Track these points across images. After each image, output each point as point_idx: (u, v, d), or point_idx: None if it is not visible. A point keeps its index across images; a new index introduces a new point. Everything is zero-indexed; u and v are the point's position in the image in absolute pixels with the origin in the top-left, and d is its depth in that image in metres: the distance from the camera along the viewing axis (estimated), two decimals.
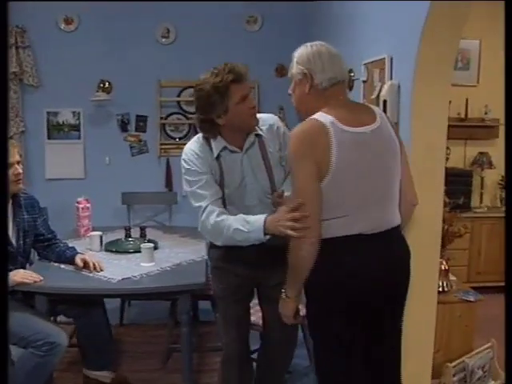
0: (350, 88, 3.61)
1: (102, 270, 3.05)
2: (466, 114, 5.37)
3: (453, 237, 3.31)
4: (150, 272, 3.05)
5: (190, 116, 5.26)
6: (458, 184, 4.94)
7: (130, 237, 3.69)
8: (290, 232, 2.02)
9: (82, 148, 5.25)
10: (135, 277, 2.96)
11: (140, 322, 4.41)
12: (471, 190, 5.40)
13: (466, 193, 5.17)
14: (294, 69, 2.15)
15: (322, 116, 2.01)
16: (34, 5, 4.91)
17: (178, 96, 5.23)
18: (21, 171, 2.96)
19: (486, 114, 5.43)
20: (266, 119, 2.51)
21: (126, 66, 5.09)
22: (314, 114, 2.04)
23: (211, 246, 2.58)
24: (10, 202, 3.02)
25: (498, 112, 5.25)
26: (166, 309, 3.93)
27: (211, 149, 2.42)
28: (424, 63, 2.56)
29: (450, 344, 3.33)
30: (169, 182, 5.30)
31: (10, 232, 3.00)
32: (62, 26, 5.05)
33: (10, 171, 2.86)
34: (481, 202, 5.51)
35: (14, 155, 2.93)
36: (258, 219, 2.24)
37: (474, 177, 5.45)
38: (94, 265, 3.06)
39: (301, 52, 2.15)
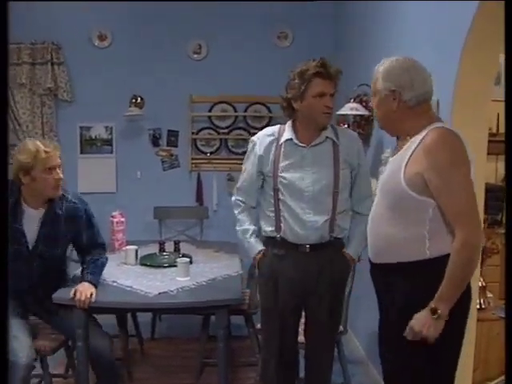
0: None
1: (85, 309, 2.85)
2: (498, 129, 5.32)
3: (491, 253, 3.27)
4: (185, 286, 3.06)
5: (221, 131, 5.29)
6: (490, 199, 4.88)
7: (164, 251, 3.72)
8: None
9: (114, 162, 5.31)
10: (172, 291, 2.97)
11: (171, 336, 4.43)
12: (502, 206, 5.34)
13: (499, 209, 5.11)
14: (380, 85, 2.08)
15: (446, 126, 2.01)
16: (69, 21, 5.02)
17: (210, 111, 5.27)
18: (61, 176, 2.87)
19: None
20: (350, 133, 2.74)
21: (158, 82, 5.15)
22: (402, 130, 2.07)
23: (266, 243, 2.68)
24: (46, 206, 2.92)
25: None
26: (197, 323, 3.93)
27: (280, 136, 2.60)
28: (465, 79, 2.54)
29: (489, 362, 3.27)
30: (199, 197, 5.33)
31: (31, 235, 2.89)
32: (96, 42, 5.14)
33: (51, 176, 2.81)
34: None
35: (56, 159, 2.84)
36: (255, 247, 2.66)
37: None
38: (82, 301, 2.82)
39: (387, 67, 2.09)
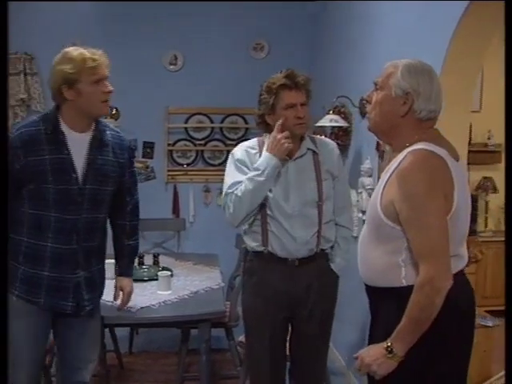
0: (363, 115, 3.64)
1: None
2: (470, 139, 5.42)
3: (469, 262, 3.30)
4: (167, 300, 3.04)
5: (198, 142, 5.28)
6: None
7: (143, 264, 3.67)
8: (287, 145, 2.38)
9: None
10: (154, 306, 2.95)
11: (149, 350, 4.36)
12: (477, 215, 5.44)
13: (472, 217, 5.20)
14: (395, 80, 1.83)
15: (435, 148, 1.77)
16: (42, 31, 4.94)
17: (186, 122, 5.25)
18: (111, 89, 2.33)
19: (488, 139, 5.51)
20: (328, 142, 2.70)
21: (133, 93, 5.09)
22: (393, 140, 1.88)
23: (250, 259, 2.62)
24: (92, 130, 2.33)
25: (501, 137, 5.31)
26: (175, 336, 3.89)
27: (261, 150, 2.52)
28: (446, 88, 2.58)
29: (469, 370, 3.30)
30: (176, 209, 5.29)
31: (80, 165, 2.30)
32: None
33: (99, 89, 2.28)
34: (485, 226, 5.55)
35: (105, 68, 2.31)
36: (263, 156, 2.44)
37: (479, 201, 5.49)
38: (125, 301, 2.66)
39: (410, 65, 1.84)
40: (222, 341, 3.88)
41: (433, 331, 1.75)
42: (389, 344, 1.75)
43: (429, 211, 1.72)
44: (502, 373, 3.22)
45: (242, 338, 3.37)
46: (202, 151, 5.31)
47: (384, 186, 1.84)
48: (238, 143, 5.12)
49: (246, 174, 2.47)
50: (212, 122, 5.27)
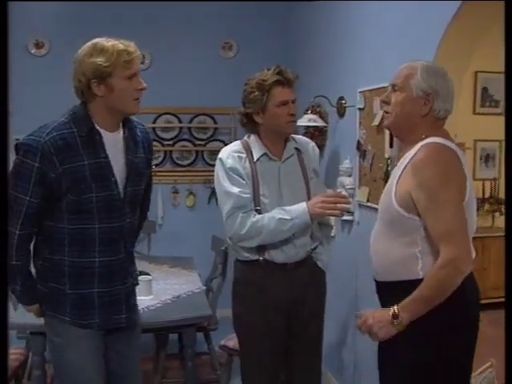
0: (341, 115, 3.64)
1: None
2: None
3: None
4: (150, 306, 2.95)
5: (166, 143, 5.18)
6: None
7: None
8: (332, 212, 2.35)
9: None
10: None
11: None
12: None
13: None
14: (416, 82, 1.89)
15: (446, 142, 1.86)
16: (13, 31, 4.74)
17: (154, 122, 5.12)
18: (145, 85, 2.07)
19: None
20: (308, 140, 2.66)
21: None
22: (410, 138, 1.92)
23: (242, 268, 2.50)
24: (121, 128, 2.13)
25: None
26: (148, 341, 3.79)
27: (251, 152, 2.43)
28: None
29: None
30: None
31: (117, 168, 2.09)
32: (33, 50, 4.89)
33: (131, 85, 2.02)
34: None
35: (138, 62, 2.08)
36: (299, 206, 2.36)
37: None
38: None
39: (428, 67, 1.92)
40: (199, 344, 3.81)
41: (441, 320, 1.81)
42: (396, 312, 1.80)
43: (446, 199, 1.78)
44: (485, 366, 3.26)
45: (224, 342, 3.32)
46: (171, 151, 5.21)
47: (398, 179, 1.89)
48: (207, 143, 5.18)
49: (241, 184, 2.37)
50: (180, 121, 5.17)
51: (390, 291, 1.94)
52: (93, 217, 2.04)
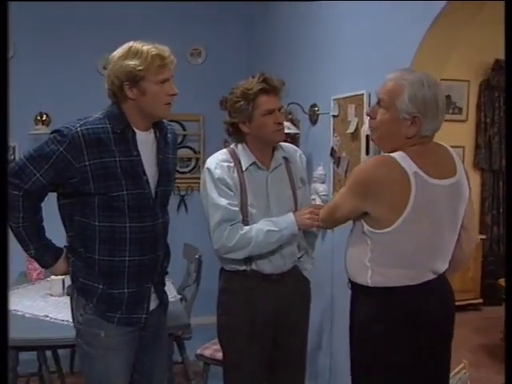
0: (314, 122, 3.67)
1: None
2: None
3: None
4: None
5: None
6: None
7: None
8: (316, 223, 2.30)
9: None
10: None
11: None
12: None
13: None
14: (402, 104, 1.81)
15: (405, 162, 1.82)
16: None
17: None
18: (176, 91, 2.09)
19: None
20: (296, 148, 2.63)
21: (66, 98, 4.86)
22: (395, 149, 1.87)
23: (228, 278, 2.48)
24: (152, 131, 2.15)
25: None
26: None
27: (239, 161, 2.39)
28: None
29: None
30: None
31: (149, 167, 2.12)
32: None
33: (164, 90, 2.05)
34: None
35: (171, 67, 2.08)
36: (286, 217, 2.35)
37: None
38: None
39: (415, 86, 1.81)
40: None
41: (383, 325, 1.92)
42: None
43: (343, 194, 1.98)
44: (459, 367, 3.31)
45: (200, 351, 3.29)
46: None
47: None
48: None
49: (229, 196, 2.33)
50: None
51: (354, 290, 2.06)
52: (124, 215, 2.04)
